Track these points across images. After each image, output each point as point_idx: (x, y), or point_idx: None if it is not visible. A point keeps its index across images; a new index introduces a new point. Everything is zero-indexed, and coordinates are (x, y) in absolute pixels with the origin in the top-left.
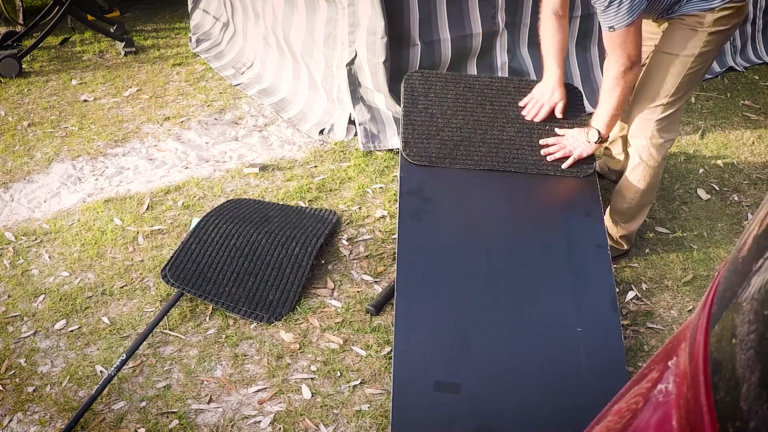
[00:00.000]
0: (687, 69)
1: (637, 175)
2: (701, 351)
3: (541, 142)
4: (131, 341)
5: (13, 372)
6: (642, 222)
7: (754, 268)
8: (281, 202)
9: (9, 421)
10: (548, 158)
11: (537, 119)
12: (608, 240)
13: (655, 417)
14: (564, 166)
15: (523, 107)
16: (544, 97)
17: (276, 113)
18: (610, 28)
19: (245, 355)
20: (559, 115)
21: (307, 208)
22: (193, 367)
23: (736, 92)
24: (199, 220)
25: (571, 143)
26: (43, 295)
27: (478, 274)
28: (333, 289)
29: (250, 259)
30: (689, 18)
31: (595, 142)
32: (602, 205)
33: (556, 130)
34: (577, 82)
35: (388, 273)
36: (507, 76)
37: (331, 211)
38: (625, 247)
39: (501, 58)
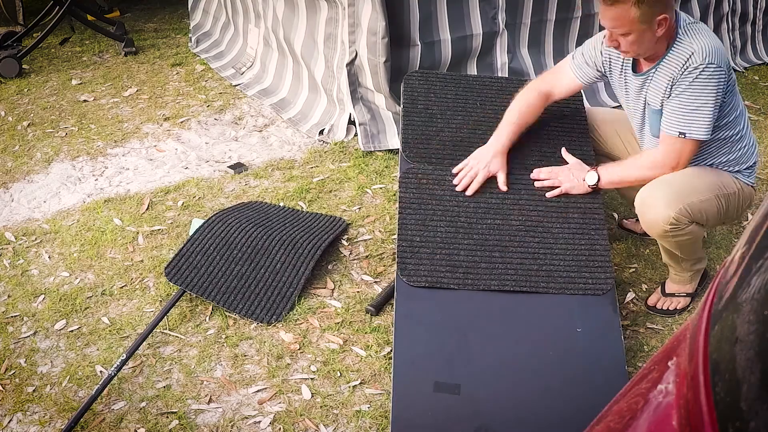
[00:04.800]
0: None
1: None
2: (701, 351)
3: (534, 172)
4: (131, 341)
5: (13, 372)
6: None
7: (754, 268)
8: (281, 203)
9: (9, 422)
10: (536, 184)
11: (468, 192)
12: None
13: (655, 417)
14: (548, 195)
15: (459, 172)
16: (480, 164)
17: (276, 113)
18: (680, 133)
19: (245, 356)
20: (503, 187)
21: (317, 213)
22: (193, 367)
23: None
24: (199, 220)
25: (565, 177)
26: (43, 295)
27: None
28: (333, 290)
29: (252, 258)
30: None
31: (590, 186)
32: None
33: (563, 152)
34: None
35: (388, 273)
36: (507, 76)
37: (340, 218)
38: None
39: (501, 58)
